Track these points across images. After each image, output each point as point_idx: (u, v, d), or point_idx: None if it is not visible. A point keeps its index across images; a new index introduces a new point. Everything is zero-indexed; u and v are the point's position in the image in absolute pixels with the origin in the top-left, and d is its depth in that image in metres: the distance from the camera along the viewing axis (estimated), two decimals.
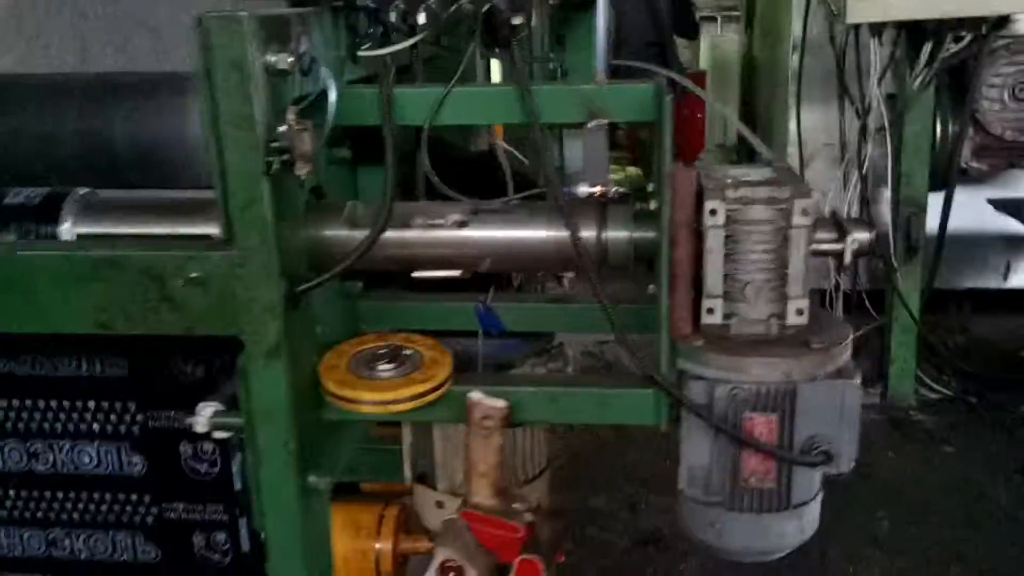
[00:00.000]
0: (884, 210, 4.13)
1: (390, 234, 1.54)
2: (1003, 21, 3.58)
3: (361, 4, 1.57)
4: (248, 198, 1.24)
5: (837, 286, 4.19)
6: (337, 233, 1.55)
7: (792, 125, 4.51)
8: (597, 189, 1.51)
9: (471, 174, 1.66)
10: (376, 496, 2.11)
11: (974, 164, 3.86)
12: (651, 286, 1.52)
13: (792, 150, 4.67)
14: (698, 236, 1.42)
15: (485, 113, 1.52)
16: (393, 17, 1.59)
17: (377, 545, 1.96)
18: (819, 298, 4.23)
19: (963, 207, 3.95)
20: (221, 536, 1.67)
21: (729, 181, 1.44)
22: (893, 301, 4.00)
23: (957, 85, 3.74)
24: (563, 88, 1.50)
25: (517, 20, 1.46)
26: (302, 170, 1.29)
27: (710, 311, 1.44)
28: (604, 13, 1.48)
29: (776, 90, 5.06)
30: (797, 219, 1.39)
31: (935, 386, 4.17)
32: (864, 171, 3.97)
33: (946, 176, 3.76)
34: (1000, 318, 4.45)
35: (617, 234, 1.53)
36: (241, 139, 1.22)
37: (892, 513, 3.38)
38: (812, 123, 4.64)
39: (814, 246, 1.44)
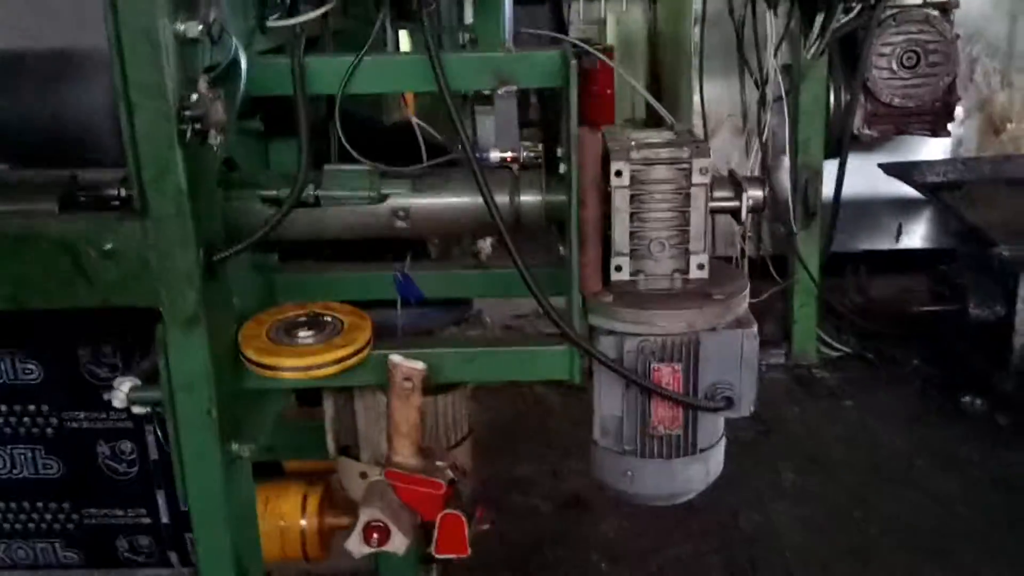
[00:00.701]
0: (784, 177, 4.30)
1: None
2: None
3: None
4: (161, 167, 1.25)
5: (743, 252, 4.36)
6: (251, 204, 1.56)
7: (697, 97, 4.64)
8: (508, 155, 1.56)
9: (385, 145, 1.69)
10: (299, 475, 2.13)
11: (866, 131, 4.06)
12: (562, 248, 1.58)
13: (698, 121, 4.81)
14: (605, 197, 1.49)
15: (396, 81, 1.55)
16: None
17: (302, 523, 1.99)
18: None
19: (857, 172, 4.15)
20: (127, 445, 1.62)
21: (633, 143, 1.51)
22: (795, 265, 4.18)
23: (849, 55, 3.92)
24: (472, 56, 1.54)
25: None
26: (216, 139, 1.30)
27: (618, 268, 1.51)
28: None
29: (680, 64, 5.19)
30: (696, 178, 1.47)
31: (836, 344, 4.38)
32: (764, 140, 4.13)
33: (840, 143, 3.94)
34: (893, 278, 4.69)
35: (530, 198, 1.58)
36: (152, 108, 1.22)
37: (797, 465, 3.55)
38: (716, 95, 4.78)
39: (713, 203, 1.52)
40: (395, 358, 1.44)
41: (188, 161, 1.26)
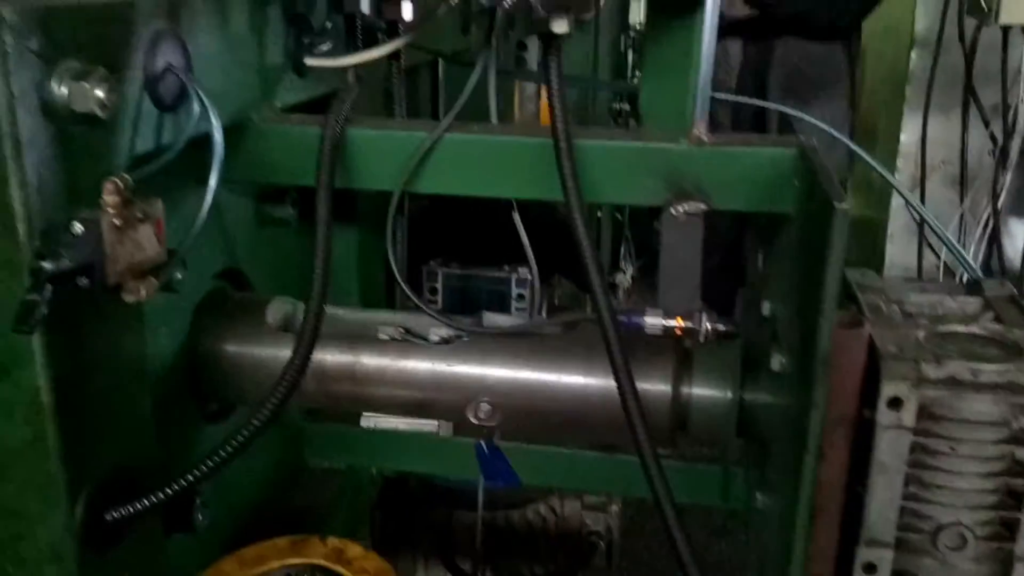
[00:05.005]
0: (1013, 247, 3.39)
1: (334, 358, 0.95)
2: None
3: None
4: (2, 359, 0.65)
5: None
6: (246, 350, 0.96)
7: (906, 136, 3.76)
8: (678, 323, 0.89)
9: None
10: None
11: None
12: (759, 495, 0.89)
13: (902, 164, 3.93)
14: (860, 433, 0.79)
15: (494, 179, 0.90)
16: (365, 6, 0.98)
17: None
18: None
19: None
20: None
21: (920, 336, 0.80)
22: None
23: None
24: (632, 145, 0.87)
25: (560, 26, 0.83)
26: (133, 295, 0.69)
27: (869, 568, 0.80)
28: (712, 22, 0.84)
29: (887, 92, 4.31)
30: None
31: None
32: (999, 203, 3.23)
33: None
34: None
35: (708, 393, 0.91)
36: None
37: None
38: (928, 135, 3.88)
39: None
40: None
41: (58, 348, 0.65)
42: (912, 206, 1.04)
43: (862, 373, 0.76)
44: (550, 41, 0.86)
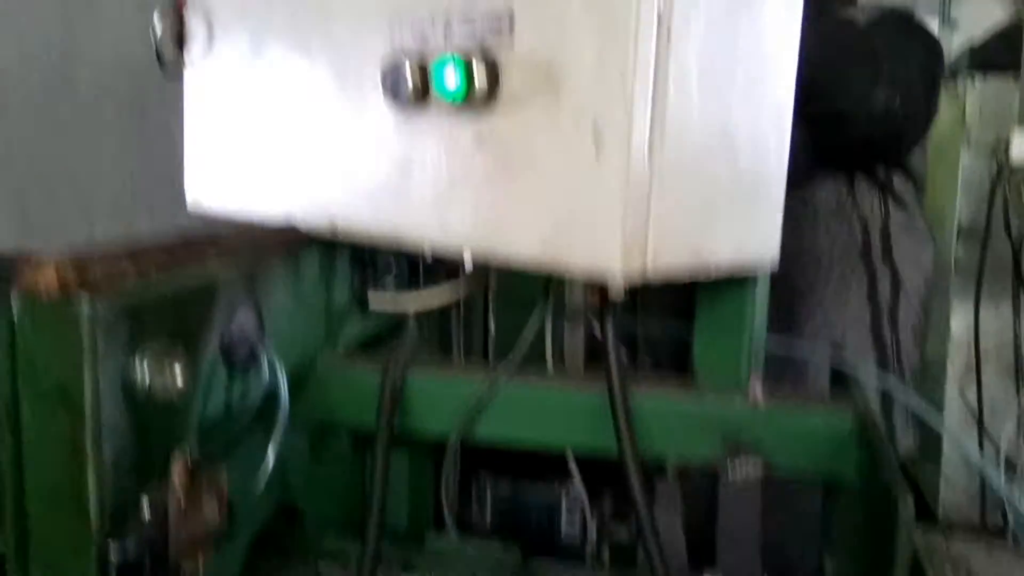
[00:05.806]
0: None
1: None
2: None
3: None
4: None
5: None
6: None
7: (956, 324, 3.74)
8: None
9: None
10: None
11: None
12: None
13: (954, 351, 3.88)
14: None
15: (550, 430, 0.91)
16: (428, 252, 1.02)
17: None
18: None
19: None
20: None
21: None
22: None
23: None
24: (688, 403, 0.88)
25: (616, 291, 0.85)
26: (192, 564, 0.69)
27: None
28: (765, 279, 0.87)
29: (934, 279, 4.31)
30: None
31: None
32: None
33: None
34: None
35: None
36: (61, 530, 0.63)
37: None
38: (980, 325, 3.86)
39: None
40: None
41: None
42: (971, 454, 1.01)
43: None
44: (604, 297, 0.89)
